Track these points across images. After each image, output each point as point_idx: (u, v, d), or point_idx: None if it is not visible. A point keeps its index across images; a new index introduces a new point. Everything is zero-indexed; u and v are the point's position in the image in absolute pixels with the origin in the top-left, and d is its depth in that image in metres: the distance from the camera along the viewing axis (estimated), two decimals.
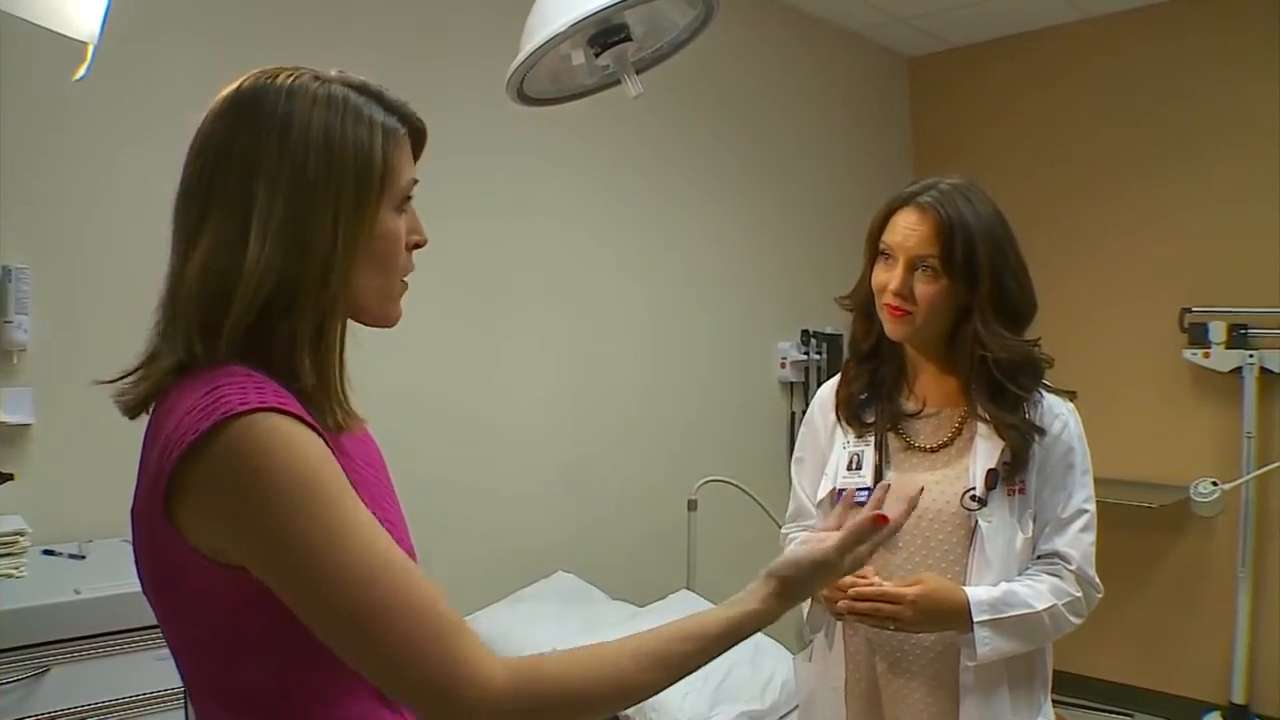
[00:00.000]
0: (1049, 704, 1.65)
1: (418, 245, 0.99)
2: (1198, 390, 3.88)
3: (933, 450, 1.62)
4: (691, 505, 3.29)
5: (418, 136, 0.98)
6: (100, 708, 1.82)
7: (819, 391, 1.81)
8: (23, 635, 1.74)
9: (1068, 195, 4.14)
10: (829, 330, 4.02)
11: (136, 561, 0.91)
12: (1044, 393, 1.60)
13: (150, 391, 0.90)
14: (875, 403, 1.68)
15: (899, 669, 1.60)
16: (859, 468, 1.64)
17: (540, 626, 2.67)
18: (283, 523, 0.80)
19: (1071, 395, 1.65)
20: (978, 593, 1.51)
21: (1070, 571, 1.56)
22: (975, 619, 1.49)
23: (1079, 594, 1.56)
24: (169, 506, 0.83)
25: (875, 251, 1.62)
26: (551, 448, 3.26)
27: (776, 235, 4.02)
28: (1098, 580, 1.58)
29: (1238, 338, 3.70)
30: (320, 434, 0.85)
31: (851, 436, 1.68)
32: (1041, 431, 1.56)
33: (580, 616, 2.80)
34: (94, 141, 2.28)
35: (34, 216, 2.20)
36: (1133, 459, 3.84)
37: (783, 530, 1.82)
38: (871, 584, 1.51)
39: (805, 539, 1.17)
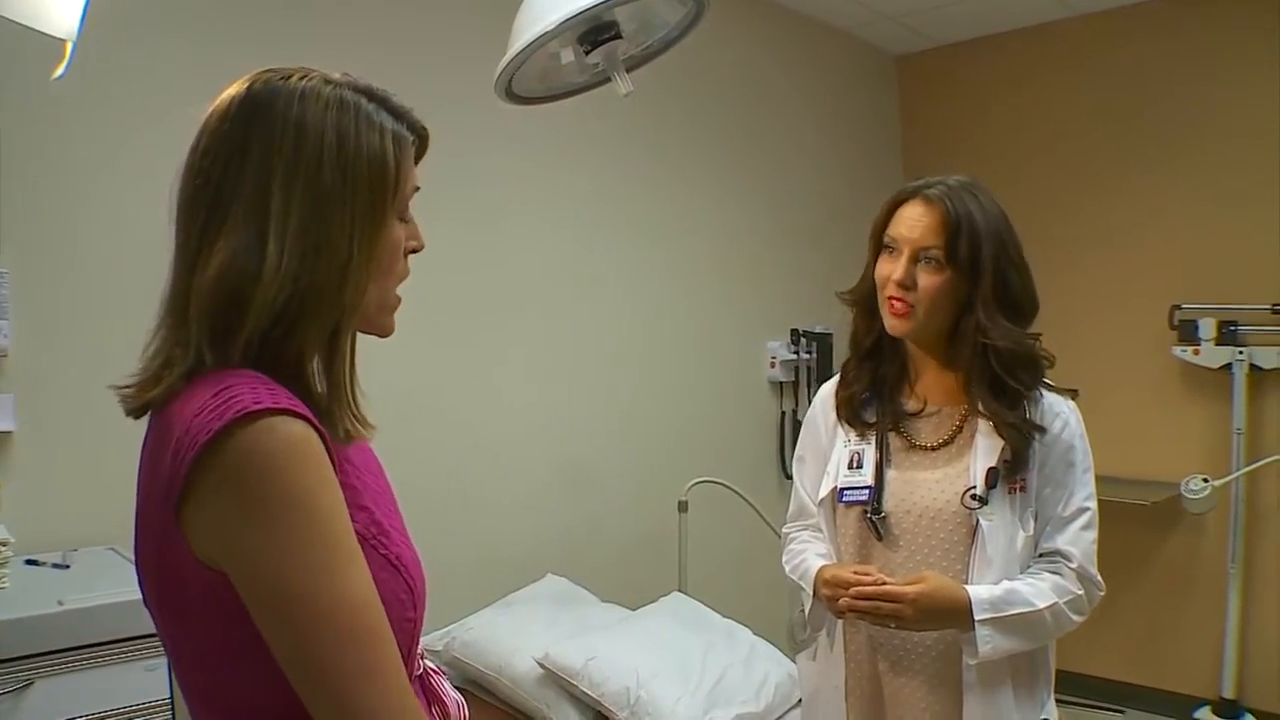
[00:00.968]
0: (1052, 701, 1.64)
1: (414, 250, 0.98)
2: (1188, 387, 3.89)
3: (933, 449, 1.62)
4: (682, 506, 3.27)
5: (421, 143, 0.98)
6: None
7: (820, 390, 1.81)
8: (5, 648, 1.70)
9: (1056, 193, 4.14)
10: (819, 329, 4.00)
11: (138, 570, 0.89)
12: (1044, 391, 1.60)
13: (163, 396, 0.88)
14: (876, 402, 1.68)
15: (901, 667, 1.60)
16: (860, 466, 1.64)
17: (531, 630, 2.65)
18: (273, 541, 0.78)
19: (1073, 394, 1.65)
20: (979, 591, 1.50)
21: (1071, 569, 1.56)
22: (976, 617, 1.49)
23: (1080, 592, 1.56)
24: (181, 507, 0.81)
25: (879, 246, 1.62)
26: (541, 450, 3.24)
27: (766, 234, 4.01)
28: (1099, 578, 1.58)
29: (1227, 335, 3.71)
30: (327, 444, 0.84)
31: (853, 435, 1.67)
32: (1041, 430, 1.56)
33: (571, 619, 2.77)
34: (76, 144, 2.24)
35: (14, 220, 2.16)
36: (1123, 456, 3.85)
37: (784, 529, 1.82)
38: (873, 581, 1.51)
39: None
